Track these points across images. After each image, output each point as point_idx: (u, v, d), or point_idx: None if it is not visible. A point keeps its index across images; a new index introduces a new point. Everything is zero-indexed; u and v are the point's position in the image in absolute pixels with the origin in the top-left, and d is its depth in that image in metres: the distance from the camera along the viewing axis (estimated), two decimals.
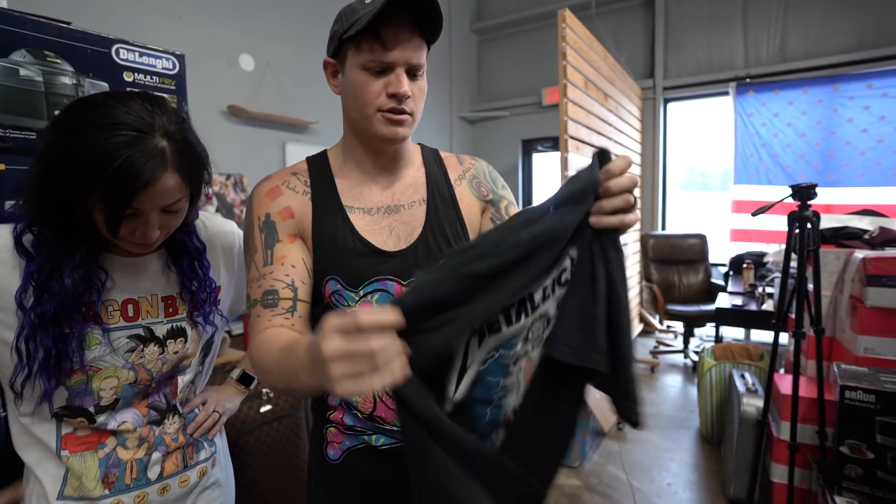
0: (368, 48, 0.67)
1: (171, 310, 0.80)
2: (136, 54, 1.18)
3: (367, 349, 0.42)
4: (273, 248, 0.69)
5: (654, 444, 2.60)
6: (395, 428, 0.73)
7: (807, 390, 1.83)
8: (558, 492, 2.21)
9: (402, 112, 0.70)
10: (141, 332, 0.77)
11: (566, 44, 2.60)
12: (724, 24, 4.17)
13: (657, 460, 2.44)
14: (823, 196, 3.89)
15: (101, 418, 0.75)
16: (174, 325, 0.80)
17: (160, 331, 0.79)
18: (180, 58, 1.29)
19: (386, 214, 0.75)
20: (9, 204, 0.81)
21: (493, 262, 0.52)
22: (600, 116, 3.20)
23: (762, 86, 4.03)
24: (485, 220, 0.84)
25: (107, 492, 0.74)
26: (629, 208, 0.54)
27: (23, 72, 1.01)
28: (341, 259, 0.72)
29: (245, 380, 1.03)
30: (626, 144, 3.96)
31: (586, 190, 0.56)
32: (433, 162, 0.83)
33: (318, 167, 0.77)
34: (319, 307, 0.72)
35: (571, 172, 2.63)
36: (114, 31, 1.15)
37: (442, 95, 4.93)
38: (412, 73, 0.70)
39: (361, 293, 0.71)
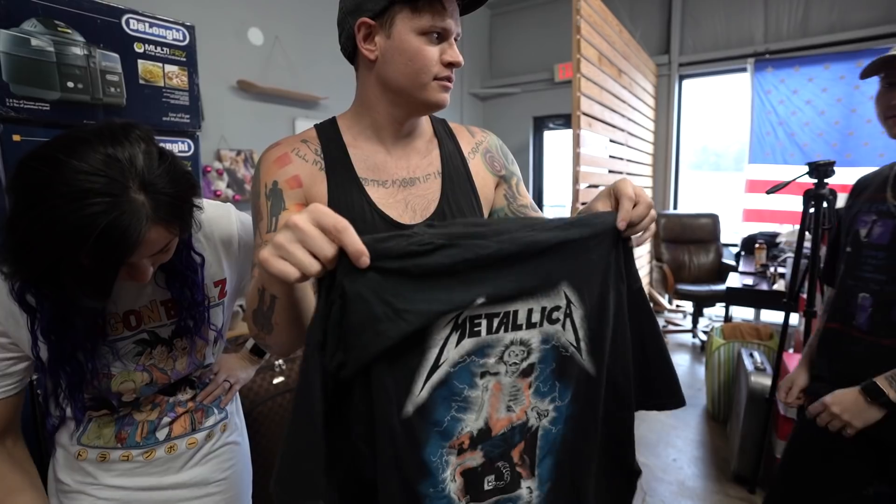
0: (430, 13, 0.67)
1: (173, 312, 0.81)
2: (147, 25, 1.17)
3: (316, 241, 0.47)
4: (279, 216, 0.69)
5: (661, 421, 2.63)
6: None
7: None
8: None
9: (452, 80, 0.72)
10: (146, 336, 0.79)
11: (580, 17, 2.54)
12: None
13: (663, 437, 2.47)
14: (841, 175, 3.79)
15: (123, 411, 0.80)
16: (179, 324, 0.82)
17: (165, 332, 0.81)
18: (190, 29, 1.27)
19: (402, 187, 0.75)
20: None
21: (488, 250, 0.54)
22: (614, 93, 3.14)
23: (782, 62, 3.92)
24: (498, 196, 0.84)
25: (119, 445, 0.80)
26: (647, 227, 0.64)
27: (34, 42, 1.01)
28: (357, 232, 0.72)
29: (258, 350, 1.05)
30: (639, 122, 3.89)
31: (601, 228, 0.62)
32: (444, 133, 0.82)
33: (330, 136, 0.76)
34: None
35: (583, 149, 2.60)
36: (122, 0, 1.15)
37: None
38: (455, 41, 0.72)
39: None
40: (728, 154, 4.78)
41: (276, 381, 1.65)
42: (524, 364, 0.60)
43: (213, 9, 2.91)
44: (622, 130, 3.40)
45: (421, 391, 0.56)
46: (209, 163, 2.93)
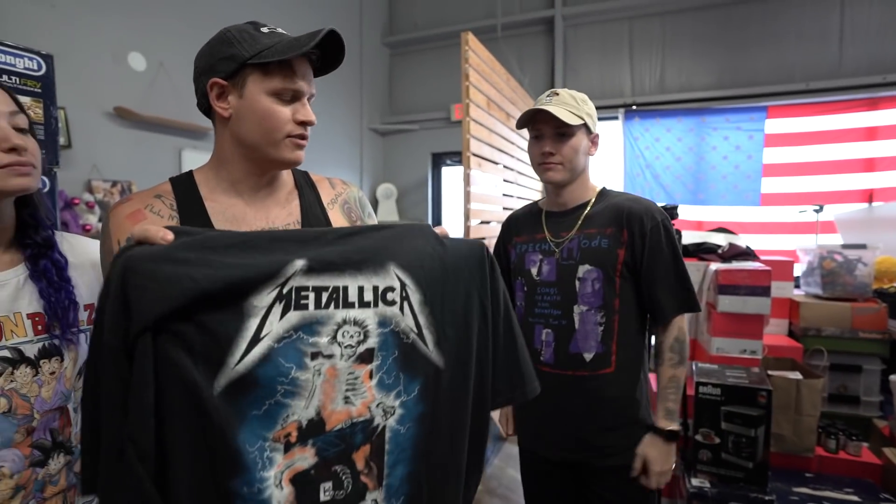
0: (280, 76, 0.70)
1: (40, 327, 0.75)
2: None
3: None
4: None
5: None
6: None
7: None
8: None
9: (305, 138, 0.75)
10: (7, 353, 0.71)
11: (469, 65, 2.73)
12: (614, 55, 4.60)
13: None
14: (696, 213, 4.37)
15: None
16: (46, 343, 0.75)
17: (31, 350, 0.73)
18: (47, 58, 1.19)
19: None
20: None
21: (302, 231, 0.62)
22: (502, 135, 3.38)
23: (646, 113, 4.48)
24: None
25: None
26: None
27: None
28: None
29: None
30: (527, 161, 4.20)
31: (417, 226, 0.67)
32: (305, 184, 0.85)
33: (185, 189, 0.75)
34: None
35: (474, 188, 2.76)
36: None
37: (353, 107, 4.92)
38: (308, 101, 0.75)
39: None
40: None
41: None
42: (361, 348, 0.59)
43: (85, 29, 2.71)
44: (512, 170, 3.66)
45: (237, 364, 0.52)
46: (78, 194, 2.66)
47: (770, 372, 1.92)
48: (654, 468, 1.16)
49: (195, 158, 3.25)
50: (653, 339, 1.28)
